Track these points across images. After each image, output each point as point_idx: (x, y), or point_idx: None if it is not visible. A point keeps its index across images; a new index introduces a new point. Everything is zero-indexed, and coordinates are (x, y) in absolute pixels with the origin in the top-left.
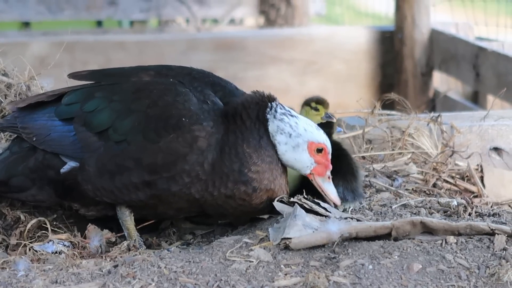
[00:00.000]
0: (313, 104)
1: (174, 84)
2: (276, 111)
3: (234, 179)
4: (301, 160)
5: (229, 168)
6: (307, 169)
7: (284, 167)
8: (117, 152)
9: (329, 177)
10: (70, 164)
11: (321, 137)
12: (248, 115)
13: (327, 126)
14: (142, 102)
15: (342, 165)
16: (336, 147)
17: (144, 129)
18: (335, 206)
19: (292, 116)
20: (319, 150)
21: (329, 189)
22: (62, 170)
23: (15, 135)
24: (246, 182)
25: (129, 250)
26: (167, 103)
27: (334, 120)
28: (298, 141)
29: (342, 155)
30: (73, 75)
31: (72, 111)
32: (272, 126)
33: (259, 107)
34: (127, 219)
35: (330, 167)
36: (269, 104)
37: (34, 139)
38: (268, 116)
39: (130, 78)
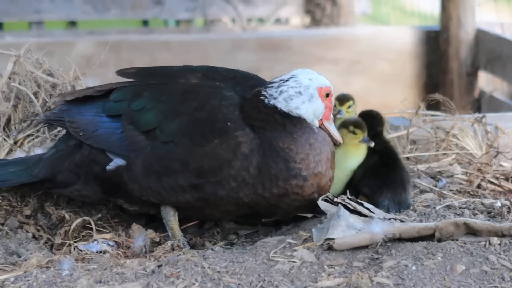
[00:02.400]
0: (351, 128)
1: (220, 88)
2: (270, 94)
3: (283, 177)
4: (317, 107)
5: (276, 168)
6: (320, 115)
7: (323, 135)
8: (164, 153)
9: (332, 119)
10: (116, 162)
11: (326, 81)
12: (257, 117)
13: (379, 124)
14: (189, 105)
15: (396, 176)
16: (389, 154)
17: (191, 132)
18: (336, 144)
19: (286, 80)
20: (327, 95)
21: (334, 130)
22: (108, 167)
23: (61, 134)
24: (296, 175)
25: (173, 250)
26: (213, 106)
27: (372, 145)
28: (309, 92)
29: (395, 166)
30: (121, 72)
31: (119, 108)
32: (282, 104)
33: (258, 103)
34: (171, 219)
35: (332, 108)
36: (261, 94)
37: (80, 134)
38: (271, 102)
39: (178, 79)
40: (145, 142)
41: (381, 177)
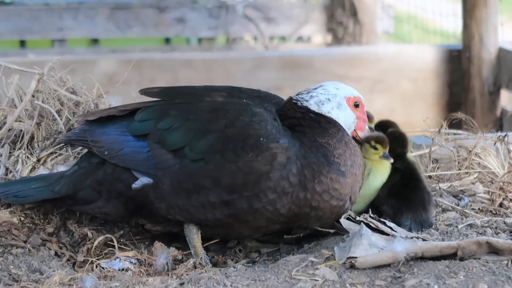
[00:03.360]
0: (372, 142)
1: (249, 105)
2: (302, 97)
3: (325, 170)
4: (348, 116)
5: (317, 163)
6: (352, 126)
7: (354, 143)
8: (194, 171)
9: (367, 131)
10: (142, 181)
11: (354, 91)
12: (294, 116)
13: (400, 146)
14: (219, 122)
15: (416, 196)
16: (410, 174)
17: (222, 149)
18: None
19: (315, 88)
20: (356, 105)
21: None
22: (134, 186)
23: (84, 152)
24: (336, 169)
25: (195, 268)
26: (244, 123)
27: (391, 161)
28: (337, 100)
29: (416, 187)
30: (144, 92)
31: (146, 128)
32: (314, 106)
33: (292, 105)
34: (194, 236)
35: (367, 120)
36: (293, 99)
37: (105, 153)
38: (304, 104)
39: (203, 97)
40: (173, 161)
41: (401, 197)
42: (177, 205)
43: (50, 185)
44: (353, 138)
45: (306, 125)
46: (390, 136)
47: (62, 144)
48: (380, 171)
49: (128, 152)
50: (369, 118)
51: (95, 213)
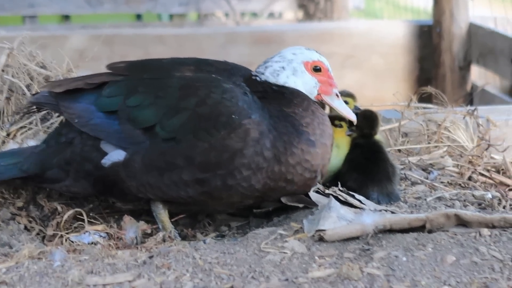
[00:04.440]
0: (336, 121)
1: (219, 81)
2: (259, 71)
3: (295, 141)
4: (307, 82)
5: (287, 133)
6: (314, 90)
7: (322, 112)
8: (166, 149)
9: (337, 95)
10: (111, 159)
11: (313, 55)
12: (258, 91)
13: (367, 127)
14: (190, 100)
15: (378, 170)
16: (372, 147)
17: (194, 128)
18: (351, 124)
19: (272, 57)
20: (317, 69)
21: (340, 106)
22: (103, 161)
23: (53, 128)
24: (306, 140)
25: (164, 241)
26: (215, 101)
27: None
28: (293, 66)
29: (379, 159)
30: (111, 67)
31: (114, 104)
32: (271, 78)
33: (253, 81)
34: (161, 212)
35: (335, 84)
36: (252, 75)
37: (76, 121)
38: (262, 78)
39: (172, 72)
40: (143, 137)
41: (365, 171)
42: (148, 183)
43: (18, 163)
44: (320, 103)
45: (270, 97)
46: (361, 115)
47: (32, 119)
48: (338, 141)
49: (99, 122)
50: (352, 96)
51: (64, 191)
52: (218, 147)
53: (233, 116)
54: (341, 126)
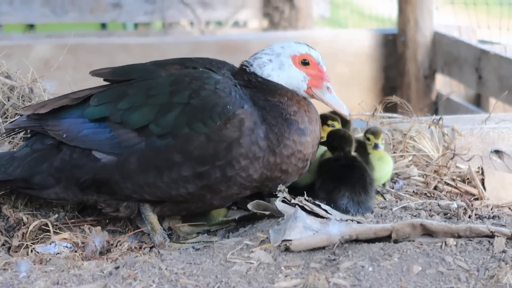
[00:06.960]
0: (329, 121)
1: (209, 73)
2: (248, 61)
3: (286, 132)
4: (293, 76)
5: (276, 124)
6: (303, 84)
7: (306, 101)
8: (162, 147)
9: (328, 89)
10: (104, 161)
11: (302, 48)
12: (243, 80)
13: (344, 143)
14: (183, 94)
15: (353, 175)
16: (351, 159)
17: (190, 120)
18: (344, 118)
19: (263, 50)
20: (305, 63)
21: (332, 100)
22: (97, 165)
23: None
24: (296, 129)
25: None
26: (209, 92)
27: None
28: (280, 60)
29: (356, 167)
30: (95, 73)
31: (104, 111)
32: (258, 70)
33: (242, 72)
34: (150, 213)
35: (326, 77)
36: (243, 65)
37: (64, 136)
38: (250, 69)
39: (158, 72)
40: (138, 139)
41: (340, 176)
42: (146, 183)
43: (1, 166)
44: (311, 96)
45: (254, 88)
46: (336, 135)
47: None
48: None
49: (89, 133)
50: (380, 131)
51: (51, 198)
52: (215, 138)
53: (228, 106)
54: (333, 126)
